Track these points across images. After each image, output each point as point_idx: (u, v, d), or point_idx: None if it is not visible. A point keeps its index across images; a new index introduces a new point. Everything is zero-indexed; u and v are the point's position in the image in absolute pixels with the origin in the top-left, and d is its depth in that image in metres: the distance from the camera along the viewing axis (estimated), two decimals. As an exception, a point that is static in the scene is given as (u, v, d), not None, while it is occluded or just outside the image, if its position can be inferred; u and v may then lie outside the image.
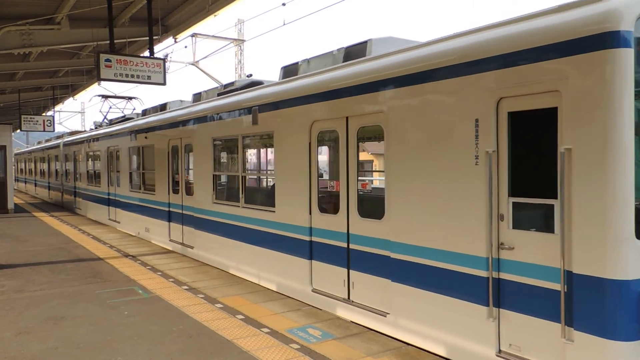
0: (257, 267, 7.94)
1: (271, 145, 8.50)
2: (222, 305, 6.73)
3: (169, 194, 11.19)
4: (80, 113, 47.35)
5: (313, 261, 6.70)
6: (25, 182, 37.00)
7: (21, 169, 39.57)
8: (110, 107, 20.17)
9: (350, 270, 6.11)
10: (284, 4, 12.83)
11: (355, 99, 5.85)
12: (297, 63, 7.63)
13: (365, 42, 6.41)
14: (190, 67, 20.15)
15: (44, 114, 29.06)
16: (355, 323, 5.91)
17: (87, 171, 18.25)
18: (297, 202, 6.92)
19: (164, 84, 10.26)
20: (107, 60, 9.49)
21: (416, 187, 5.09)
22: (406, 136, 5.20)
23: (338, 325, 5.89)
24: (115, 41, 10.34)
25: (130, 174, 13.79)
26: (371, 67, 5.77)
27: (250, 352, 5.07)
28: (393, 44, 6.01)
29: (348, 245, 6.12)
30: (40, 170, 29.75)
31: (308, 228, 6.74)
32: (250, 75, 9.72)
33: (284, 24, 13.22)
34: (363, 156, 10.88)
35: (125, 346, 5.26)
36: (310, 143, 6.67)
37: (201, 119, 9.68)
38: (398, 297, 5.38)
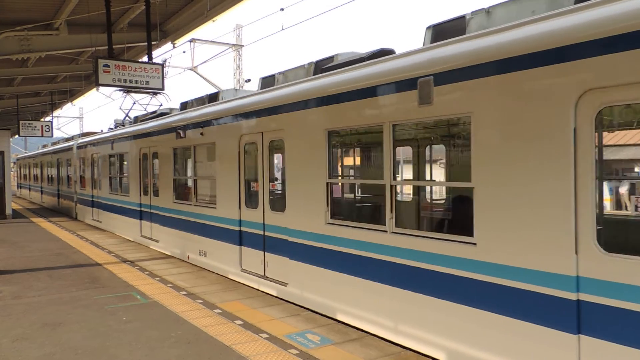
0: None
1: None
2: (220, 311, 6.71)
3: (240, 208, 8.39)
4: (79, 118, 47.34)
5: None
6: (30, 189, 33.99)
7: (25, 175, 36.86)
8: (135, 103, 18.25)
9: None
10: (282, 9, 12.87)
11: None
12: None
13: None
14: (189, 72, 20.19)
15: (42, 120, 29.04)
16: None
17: (111, 177, 15.78)
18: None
19: (162, 89, 10.29)
20: (106, 65, 9.50)
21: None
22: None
23: (337, 330, 5.87)
24: (114, 46, 10.38)
25: (174, 181, 11.00)
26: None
27: (249, 357, 5.05)
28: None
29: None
30: (48, 176, 26.77)
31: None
32: (249, 80, 9.73)
33: (283, 29, 13.25)
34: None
35: (124, 352, 5.24)
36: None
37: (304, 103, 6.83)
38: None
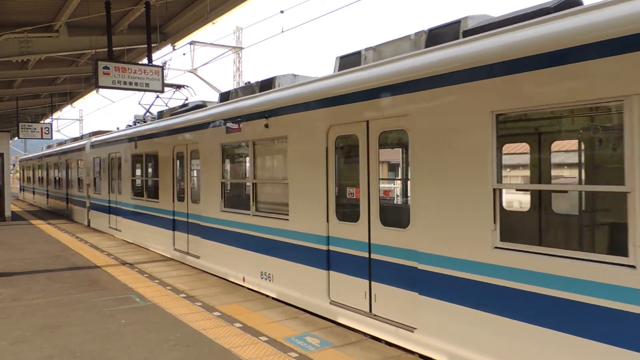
0: None
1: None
2: (219, 314, 6.69)
3: (328, 221, 6.44)
4: (79, 120, 47.36)
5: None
6: (34, 192, 31.41)
7: (28, 177, 34.11)
8: (157, 97, 16.04)
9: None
10: (282, 12, 12.88)
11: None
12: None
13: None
14: (189, 75, 20.20)
15: (42, 122, 29.03)
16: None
17: (134, 180, 13.85)
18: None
19: (162, 91, 10.27)
20: (105, 67, 9.49)
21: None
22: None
23: (336, 333, 5.86)
24: (114, 49, 10.36)
25: (223, 185, 9.15)
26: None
27: (248, 360, 5.03)
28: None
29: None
30: (55, 178, 24.44)
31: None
32: (249, 82, 9.54)
33: (283, 32, 13.25)
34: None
35: (123, 355, 5.22)
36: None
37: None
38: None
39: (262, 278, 7.79)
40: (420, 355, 5.15)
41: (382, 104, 5.58)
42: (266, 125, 7.57)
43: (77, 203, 19.85)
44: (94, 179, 17.25)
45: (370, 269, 5.80)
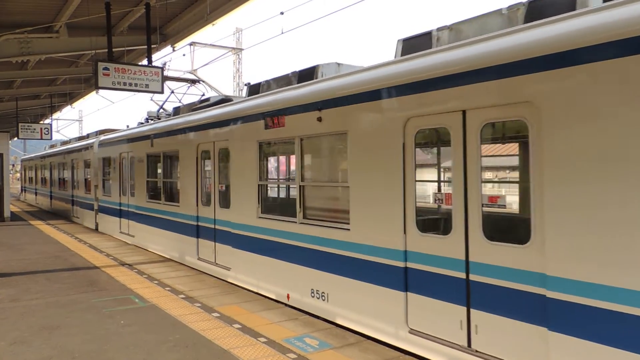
0: None
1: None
2: (218, 315, 6.69)
3: (406, 233, 5.36)
4: (79, 121, 47.35)
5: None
6: (36, 194, 29.94)
7: (30, 178, 32.58)
8: (172, 92, 14.71)
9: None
10: (282, 13, 12.89)
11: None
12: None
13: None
14: (188, 76, 20.19)
15: (41, 122, 29.02)
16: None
17: (149, 182, 12.55)
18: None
19: (161, 92, 10.28)
20: (105, 68, 9.50)
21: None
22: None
23: (335, 334, 5.86)
24: (114, 49, 10.37)
25: (260, 187, 7.97)
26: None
27: (247, 361, 5.03)
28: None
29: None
30: (59, 179, 23.07)
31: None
32: (249, 84, 9.49)
33: (282, 33, 13.26)
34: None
35: (121, 355, 5.22)
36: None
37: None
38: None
39: (312, 296, 6.61)
40: (418, 356, 5.15)
41: (489, 89, 4.48)
42: (319, 119, 6.39)
43: (84, 205, 18.57)
44: (103, 180, 16.14)
45: (468, 293, 4.70)
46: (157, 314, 6.75)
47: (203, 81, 14.54)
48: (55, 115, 30.21)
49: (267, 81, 8.49)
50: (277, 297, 7.35)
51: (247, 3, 10.84)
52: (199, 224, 9.82)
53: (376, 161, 5.67)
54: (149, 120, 14.25)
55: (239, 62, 36.54)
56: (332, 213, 6.68)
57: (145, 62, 10.76)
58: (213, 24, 11.88)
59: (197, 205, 9.89)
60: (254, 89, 8.82)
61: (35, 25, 11.84)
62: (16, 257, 11.41)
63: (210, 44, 19.26)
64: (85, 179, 18.32)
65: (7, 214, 20.44)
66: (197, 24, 12.31)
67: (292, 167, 7.82)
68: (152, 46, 11.12)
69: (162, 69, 10.41)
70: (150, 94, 10.51)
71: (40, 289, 8.24)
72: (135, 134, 13.42)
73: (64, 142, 25.35)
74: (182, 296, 7.71)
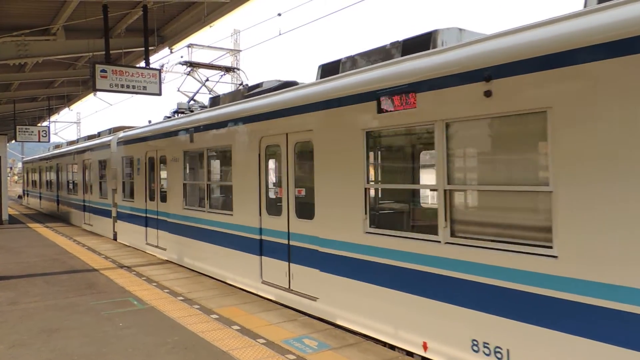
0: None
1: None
2: (217, 316, 6.69)
3: (260, 214, 6.80)
4: (76, 123, 47.32)
5: None
6: (41, 198, 27.66)
7: (34, 181, 30.26)
8: (207, 80, 12.96)
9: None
10: (279, 14, 12.90)
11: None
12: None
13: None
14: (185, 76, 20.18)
15: (39, 125, 28.99)
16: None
17: (186, 185, 10.50)
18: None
19: (159, 94, 10.29)
20: (103, 70, 9.51)
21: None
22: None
23: (334, 335, 5.86)
24: (111, 52, 10.37)
25: (367, 192, 6.03)
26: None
27: (246, 363, 5.03)
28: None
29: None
30: (68, 182, 20.91)
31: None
32: (246, 85, 9.42)
33: (280, 34, 13.27)
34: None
35: (120, 358, 5.22)
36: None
37: None
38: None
39: (474, 350, 4.60)
40: (417, 355, 5.15)
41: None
42: (487, 93, 4.52)
43: (98, 212, 16.50)
44: (123, 183, 14.10)
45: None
46: (156, 316, 6.75)
47: (238, 69, 13.03)
48: (53, 118, 30.16)
49: (349, 57, 6.82)
50: (401, 344, 5.40)
51: (245, 5, 10.85)
52: (263, 237, 7.87)
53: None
54: (178, 114, 12.33)
55: (236, 63, 36.55)
56: (509, 230, 4.84)
57: (142, 64, 10.77)
58: (211, 26, 11.89)
59: (259, 214, 7.92)
60: (331, 69, 7.08)
61: (33, 28, 11.83)
62: (14, 260, 11.39)
63: (208, 46, 19.27)
64: (100, 182, 16.30)
65: (5, 217, 20.40)
66: (194, 26, 12.32)
67: (426, 164, 6.50)
68: (150, 48, 11.14)
69: (160, 70, 10.42)
70: (148, 95, 10.42)
71: (38, 292, 8.23)
72: (168, 128, 11.31)
73: (71, 142, 23.59)
74: (181, 298, 7.70)
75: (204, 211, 9.65)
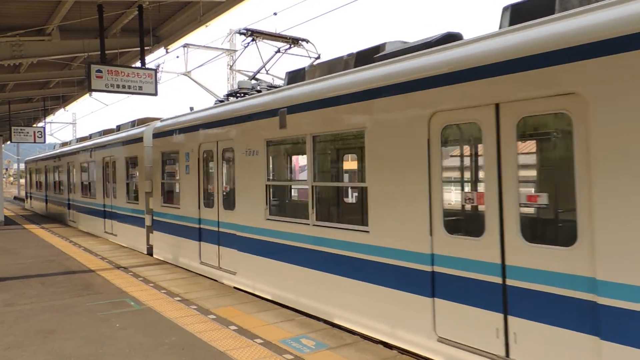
0: None
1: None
2: (215, 317, 6.68)
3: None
4: (72, 124, 47.14)
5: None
6: (47, 201, 24.76)
7: (39, 182, 27.18)
8: (279, 52, 10.36)
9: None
10: (275, 14, 12.89)
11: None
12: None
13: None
14: (182, 78, 20.16)
15: (34, 125, 28.89)
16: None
17: (271, 187, 7.93)
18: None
19: (155, 94, 10.26)
20: (98, 71, 9.48)
21: None
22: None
23: (332, 335, 5.86)
24: (107, 52, 10.34)
25: None
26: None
27: (243, 363, 5.02)
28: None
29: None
30: (83, 184, 18.15)
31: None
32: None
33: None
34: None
35: (117, 359, 5.20)
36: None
37: None
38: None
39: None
40: (416, 355, 5.15)
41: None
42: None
43: (125, 219, 13.71)
44: (162, 184, 11.41)
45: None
46: (153, 316, 6.73)
47: (307, 40, 10.27)
48: (48, 119, 30.07)
49: None
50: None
51: (240, 4, 10.83)
52: (437, 269, 5.10)
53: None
54: (236, 96, 9.71)
55: (233, 63, 36.50)
56: None
57: (138, 64, 10.74)
58: (206, 26, 11.87)
59: (429, 232, 5.15)
60: (447, 37, 5.57)
61: (28, 28, 11.79)
62: (10, 261, 11.34)
63: (204, 46, 19.23)
64: (128, 183, 13.67)
65: (0, 218, 20.33)
66: (190, 26, 12.29)
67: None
68: (145, 48, 11.11)
69: (156, 70, 10.39)
70: (144, 95, 10.37)
71: (35, 293, 8.20)
72: (237, 112, 8.44)
73: (82, 139, 20.85)
74: (178, 299, 7.69)
75: (309, 225, 6.83)
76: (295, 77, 7.99)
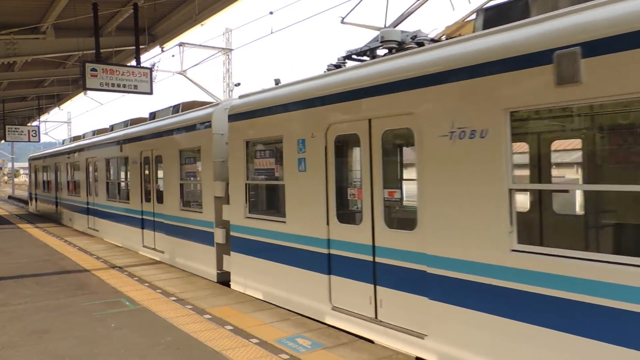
0: None
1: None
2: (210, 316, 6.66)
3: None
4: (67, 123, 46.93)
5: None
6: (57, 204, 21.11)
7: (46, 182, 23.39)
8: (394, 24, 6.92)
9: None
10: (271, 13, 12.86)
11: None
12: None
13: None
14: (178, 76, 20.09)
15: (29, 124, 28.74)
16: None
17: (513, 191, 4.33)
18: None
19: (150, 93, 10.22)
20: (93, 69, 9.43)
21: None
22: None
23: (328, 334, 5.85)
24: (102, 50, 10.29)
25: None
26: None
27: (239, 363, 5.01)
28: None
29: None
30: (109, 184, 14.95)
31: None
32: (239, 84, 9.34)
33: (272, 32, 13.24)
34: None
35: (112, 359, 5.17)
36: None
37: None
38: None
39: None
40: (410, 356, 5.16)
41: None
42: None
43: (178, 232, 10.47)
44: (246, 185, 8.09)
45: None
46: (148, 316, 6.70)
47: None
48: (43, 117, 29.92)
49: None
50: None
51: (236, 3, 10.82)
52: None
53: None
54: (370, 56, 6.77)
55: (228, 62, 36.43)
56: None
57: (133, 63, 10.69)
58: (202, 24, 11.84)
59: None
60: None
61: (22, 26, 11.72)
62: (4, 260, 11.27)
63: (200, 45, 19.17)
64: (182, 185, 10.39)
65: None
66: (185, 24, 12.27)
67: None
68: (141, 47, 11.05)
69: (151, 69, 10.35)
70: (140, 94, 10.31)
71: (29, 292, 8.15)
72: (438, 64, 4.99)
73: (100, 131, 17.47)
74: (173, 298, 7.66)
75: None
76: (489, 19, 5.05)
